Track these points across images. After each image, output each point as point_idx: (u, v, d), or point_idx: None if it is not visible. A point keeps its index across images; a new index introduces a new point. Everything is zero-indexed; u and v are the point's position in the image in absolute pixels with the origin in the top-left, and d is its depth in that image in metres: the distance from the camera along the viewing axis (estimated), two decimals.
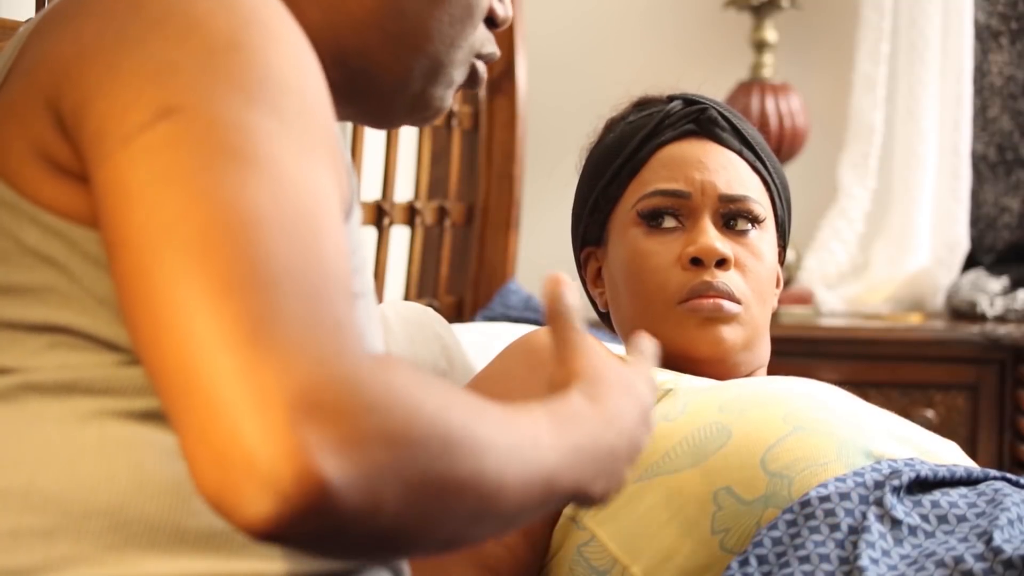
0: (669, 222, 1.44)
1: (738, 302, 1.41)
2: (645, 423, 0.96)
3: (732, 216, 1.44)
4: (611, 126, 1.55)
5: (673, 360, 1.43)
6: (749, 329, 1.43)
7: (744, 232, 1.44)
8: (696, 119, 1.47)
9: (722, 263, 1.41)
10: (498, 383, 1.39)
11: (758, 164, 1.48)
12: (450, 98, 1.09)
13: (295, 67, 0.86)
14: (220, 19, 0.85)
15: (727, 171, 1.45)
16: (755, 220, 1.45)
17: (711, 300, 1.40)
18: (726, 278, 1.41)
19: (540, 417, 0.85)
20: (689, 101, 1.50)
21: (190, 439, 0.73)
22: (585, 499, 0.90)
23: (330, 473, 0.70)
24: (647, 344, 1.03)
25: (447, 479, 0.75)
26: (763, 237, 1.46)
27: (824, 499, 1.18)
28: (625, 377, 0.96)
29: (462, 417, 0.77)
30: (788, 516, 1.18)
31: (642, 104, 1.53)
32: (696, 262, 1.41)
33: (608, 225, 1.49)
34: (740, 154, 1.47)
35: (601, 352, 0.96)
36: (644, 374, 0.99)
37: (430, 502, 0.75)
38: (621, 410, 0.93)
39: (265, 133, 0.81)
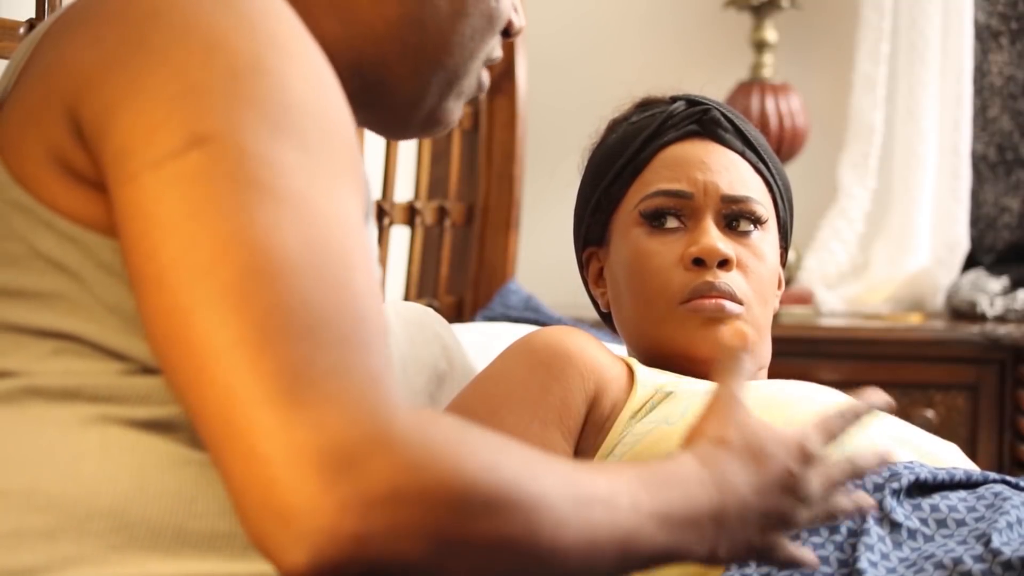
0: (671, 222, 1.44)
1: (740, 303, 1.41)
2: (781, 490, 0.94)
3: (734, 217, 1.44)
4: (613, 127, 1.55)
5: (675, 361, 1.43)
6: (749, 330, 1.43)
7: (746, 233, 1.44)
8: (699, 120, 1.48)
9: (724, 264, 1.41)
10: (498, 383, 1.39)
11: (760, 165, 1.48)
12: (460, 111, 1.09)
13: (315, 88, 0.86)
14: (241, 38, 0.85)
15: (729, 172, 1.45)
16: (757, 221, 1.45)
17: (713, 301, 1.40)
18: (728, 279, 1.41)
19: (627, 478, 0.85)
20: (692, 102, 1.50)
21: (234, 486, 0.76)
22: (691, 560, 0.89)
23: (361, 529, 0.74)
24: (829, 422, 1.00)
25: (491, 537, 0.77)
26: (765, 238, 1.46)
27: None
28: (757, 442, 0.94)
29: (513, 474, 0.78)
30: None
31: (645, 105, 1.53)
32: (698, 262, 1.41)
33: (610, 225, 1.49)
34: (743, 155, 1.47)
35: (744, 418, 0.95)
36: (792, 443, 0.96)
37: (472, 558, 0.76)
38: (736, 475, 0.92)
39: (293, 165, 0.82)
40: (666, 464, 0.89)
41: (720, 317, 1.40)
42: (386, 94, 1.04)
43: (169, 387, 0.82)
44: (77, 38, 0.90)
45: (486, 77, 1.10)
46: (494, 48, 1.08)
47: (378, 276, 0.91)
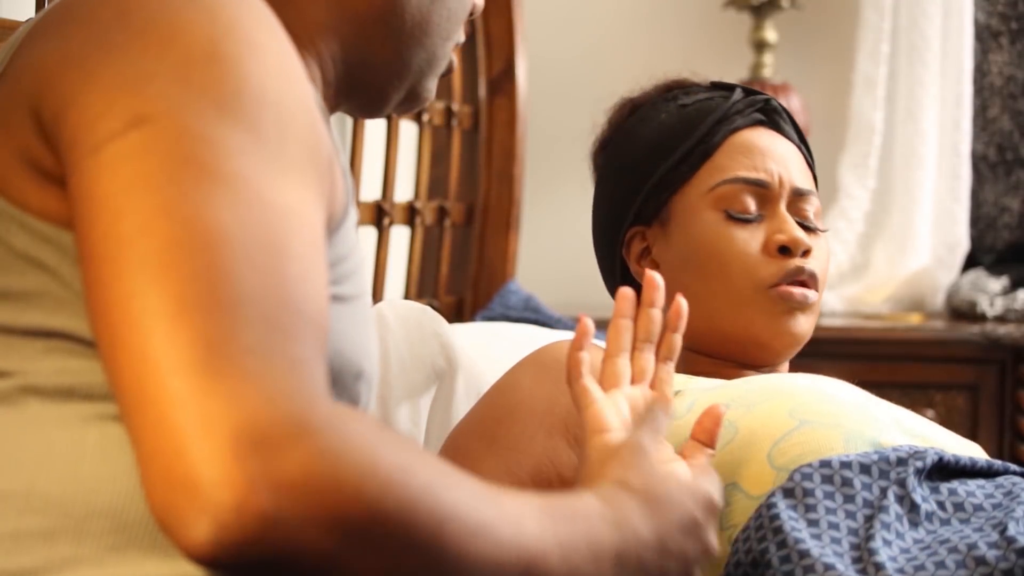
0: (750, 211, 1.44)
1: (816, 289, 1.44)
2: (684, 534, 0.95)
3: (801, 213, 1.46)
4: (634, 108, 1.54)
5: (738, 344, 1.44)
6: (815, 318, 1.46)
7: (809, 226, 1.47)
8: (762, 109, 1.49)
9: (805, 254, 1.43)
10: (506, 394, 1.39)
11: (809, 159, 1.51)
12: (435, 88, 1.11)
13: (275, 78, 0.85)
14: (201, 29, 0.85)
15: (795, 165, 1.48)
16: (817, 214, 1.48)
17: (801, 290, 1.42)
18: (810, 263, 1.44)
19: (534, 505, 0.84)
20: (746, 90, 1.51)
21: (142, 455, 0.74)
22: None
23: (269, 509, 0.71)
24: (703, 459, 1.04)
25: (398, 539, 0.75)
26: (822, 236, 1.48)
27: (845, 465, 1.18)
28: (661, 488, 0.95)
29: (427, 480, 0.76)
30: (806, 469, 1.18)
31: (681, 86, 1.53)
32: (784, 251, 1.42)
33: (670, 205, 1.48)
34: (799, 148, 1.50)
35: (649, 465, 0.97)
36: (699, 492, 0.98)
37: (376, 558, 0.74)
38: (635, 517, 0.92)
39: (235, 148, 0.81)
40: (568, 499, 0.89)
41: (803, 307, 1.43)
42: (369, 77, 1.06)
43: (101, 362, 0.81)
44: (46, 40, 0.90)
45: (454, 59, 1.12)
46: (461, 32, 1.11)
47: (324, 272, 0.90)
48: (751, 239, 1.43)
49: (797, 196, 1.46)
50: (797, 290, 1.42)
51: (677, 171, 1.47)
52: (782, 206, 1.45)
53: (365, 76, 1.06)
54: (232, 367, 0.74)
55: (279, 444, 0.72)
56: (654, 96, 1.54)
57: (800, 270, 1.42)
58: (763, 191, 1.44)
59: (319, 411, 0.75)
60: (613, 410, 1.10)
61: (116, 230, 0.78)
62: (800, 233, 1.43)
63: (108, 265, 0.78)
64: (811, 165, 1.51)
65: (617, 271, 1.53)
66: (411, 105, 1.11)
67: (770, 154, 1.46)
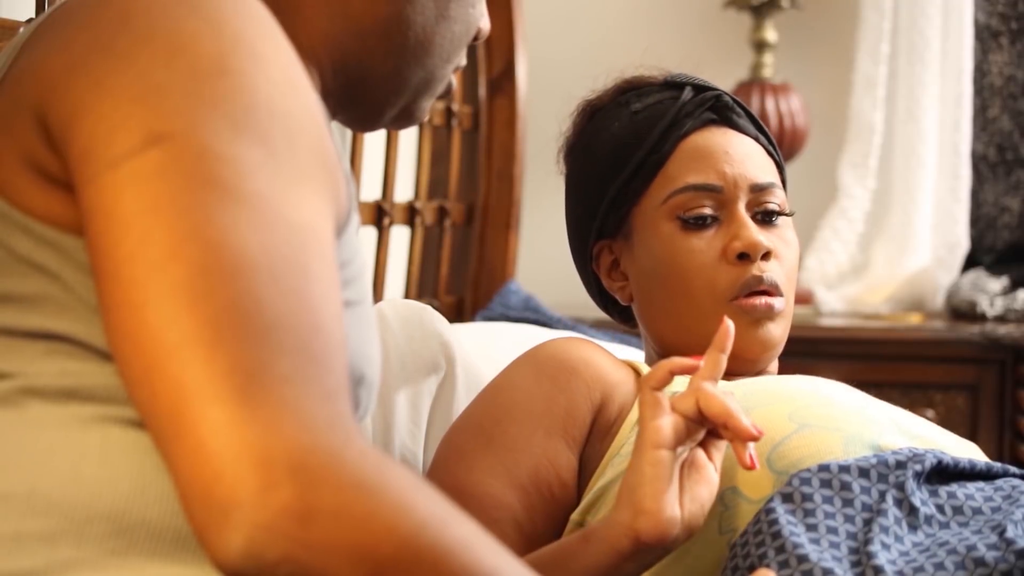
0: (706, 217, 1.41)
1: (782, 295, 1.41)
2: None
3: (762, 204, 1.43)
4: (593, 112, 1.51)
5: None
6: (787, 321, 1.43)
7: (774, 222, 1.43)
8: (713, 107, 1.46)
9: (766, 255, 1.40)
10: (503, 394, 1.38)
11: (770, 148, 1.47)
12: (429, 109, 1.12)
13: (282, 89, 0.86)
14: (207, 41, 0.85)
15: (752, 160, 1.44)
16: (781, 206, 1.44)
17: (763, 301, 1.39)
18: (770, 270, 1.40)
19: None
20: (697, 87, 1.47)
21: (179, 478, 0.77)
22: None
23: (299, 533, 0.74)
24: None
25: None
26: (788, 223, 1.45)
27: (844, 469, 1.18)
28: None
29: (462, 535, 0.78)
30: (804, 474, 1.18)
31: (635, 88, 1.50)
32: (743, 257, 1.40)
33: (630, 219, 1.46)
34: (756, 140, 1.46)
35: None
36: None
37: None
38: None
39: (252, 165, 0.82)
40: None
41: (768, 316, 1.40)
42: (366, 91, 1.06)
43: (121, 381, 0.82)
44: (48, 43, 0.90)
45: (454, 81, 1.12)
46: (463, 56, 1.10)
47: (347, 258, 0.90)
48: (708, 248, 1.41)
49: (757, 191, 1.43)
50: (759, 301, 1.39)
51: (632, 185, 1.44)
52: (740, 207, 1.41)
53: (362, 90, 1.06)
54: (268, 396, 0.76)
55: (316, 472, 0.75)
56: (608, 101, 1.52)
57: (759, 280, 1.39)
58: (716, 194, 1.41)
59: (355, 446, 0.77)
60: (673, 431, 1.13)
61: (143, 254, 0.79)
62: (758, 236, 1.40)
63: (137, 289, 0.79)
64: (774, 155, 1.47)
65: (592, 282, 1.52)
66: (404, 123, 1.11)
67: (722, 155, 1.43)
